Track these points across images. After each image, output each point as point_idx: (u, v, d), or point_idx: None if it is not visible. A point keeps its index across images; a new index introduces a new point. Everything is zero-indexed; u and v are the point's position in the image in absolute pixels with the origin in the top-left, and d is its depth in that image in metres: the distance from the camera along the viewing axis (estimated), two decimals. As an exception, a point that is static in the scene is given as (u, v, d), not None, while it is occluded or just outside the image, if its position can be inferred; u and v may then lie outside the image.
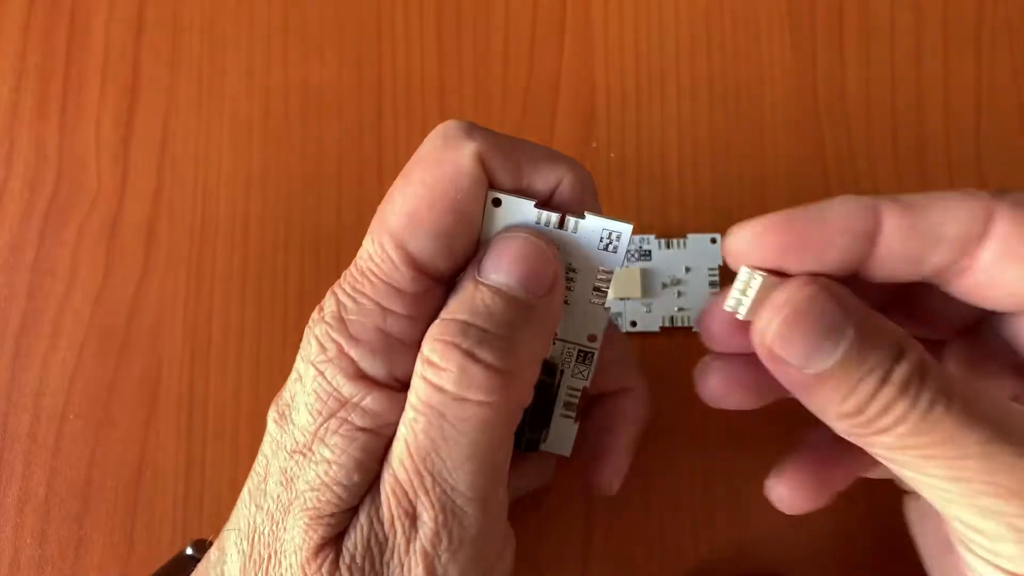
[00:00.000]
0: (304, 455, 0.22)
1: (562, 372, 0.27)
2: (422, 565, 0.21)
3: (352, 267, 0.23)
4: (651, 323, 0.38)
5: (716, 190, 0.39)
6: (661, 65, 0.41)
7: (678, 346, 0.38)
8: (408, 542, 0.22)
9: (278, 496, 0.22)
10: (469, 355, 0.21)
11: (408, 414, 0.22)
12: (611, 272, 0.25)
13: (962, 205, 0.21)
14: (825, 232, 0.22)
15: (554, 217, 0.24)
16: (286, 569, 0.22)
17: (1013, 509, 0.19)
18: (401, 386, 0.23)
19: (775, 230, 0.22)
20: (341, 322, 0.23)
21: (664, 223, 0.39)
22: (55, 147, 0.42)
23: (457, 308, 0.22)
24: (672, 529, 0.36)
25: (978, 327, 0.25)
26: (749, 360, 0.24)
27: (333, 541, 0.22)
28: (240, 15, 0.43)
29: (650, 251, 0.38)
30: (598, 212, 0.24)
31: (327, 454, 0.22)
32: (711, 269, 0.38)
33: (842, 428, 0.22)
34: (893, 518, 0.29)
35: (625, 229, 0.24)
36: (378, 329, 0.22)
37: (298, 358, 0.23)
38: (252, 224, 0.41)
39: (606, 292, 0.25)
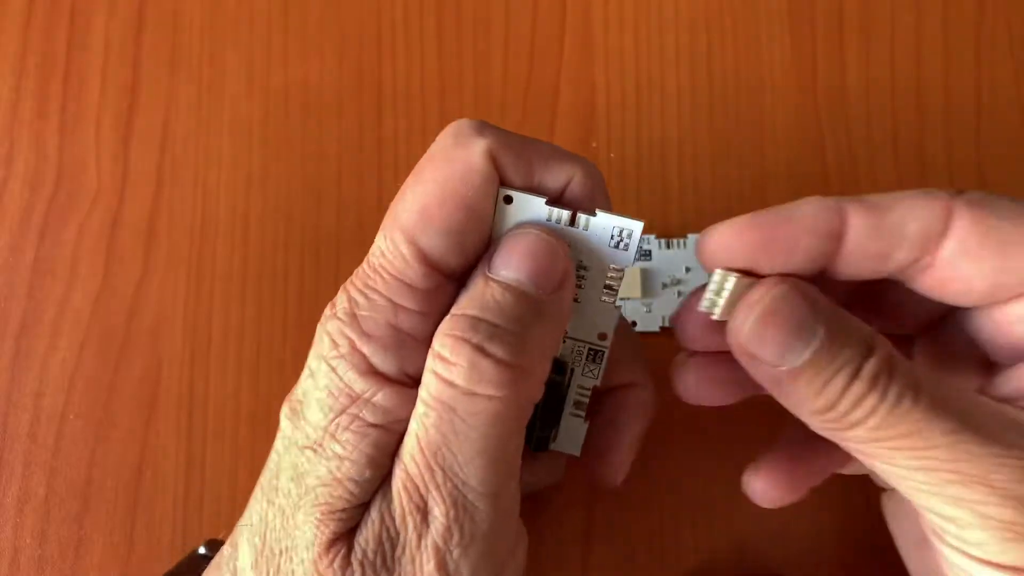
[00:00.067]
0: (316, 451, 0.22)
1: (572, 371, 0.27)
2: (434, 560, 0.21)
3: (364, 264, 0.23)
4: (651, 323, 0.38)
5: (716, 190, 0.39)
6: (661, 65, 0.41)
7: (678, 346, 0.38)
8: (420, 537, 0.22)
9: (290, 492, 0.22)
10: (479, 350, 0.21)
11: (419, 409, 0.22)
12: (622, 270, 0.25)
13: (923, 204, 0.22)
14: (793, 232, 0.22)
15: (565, 214, 0.24)
16: (298, 564, 0.22)
17: (978, 496, 0.20)
18: (413, 382, 0.23)
19: (745, 231, 0.23)
20: (353, 318, 0.23)
21: (664, 223, 0.39)
22: (55, 147, 0.42)
23: (467, 304, 0.23)
24: (672, 529, 0.36)
25: (943, 322, 0.26)
26: (724, 358, 0.24)
27: (345, 536, 0.22)
28: (240, 15, 0.43)
29: (650, 251, 0.38)
30: (609, 210, 0.24)
31: (339, 450, 0.22)
32: (711, 269, 0.38)
33: (816, 423, 0.22)
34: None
35: (636, 227, 0.24)
36: (390, 325, 0.22)
37: (310, 354, 0.23)
38: (252, 224, 0.41)
39: (617, 290, 0.25)
